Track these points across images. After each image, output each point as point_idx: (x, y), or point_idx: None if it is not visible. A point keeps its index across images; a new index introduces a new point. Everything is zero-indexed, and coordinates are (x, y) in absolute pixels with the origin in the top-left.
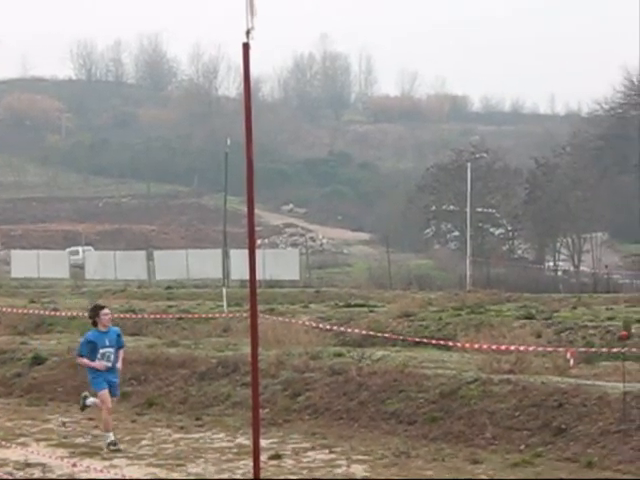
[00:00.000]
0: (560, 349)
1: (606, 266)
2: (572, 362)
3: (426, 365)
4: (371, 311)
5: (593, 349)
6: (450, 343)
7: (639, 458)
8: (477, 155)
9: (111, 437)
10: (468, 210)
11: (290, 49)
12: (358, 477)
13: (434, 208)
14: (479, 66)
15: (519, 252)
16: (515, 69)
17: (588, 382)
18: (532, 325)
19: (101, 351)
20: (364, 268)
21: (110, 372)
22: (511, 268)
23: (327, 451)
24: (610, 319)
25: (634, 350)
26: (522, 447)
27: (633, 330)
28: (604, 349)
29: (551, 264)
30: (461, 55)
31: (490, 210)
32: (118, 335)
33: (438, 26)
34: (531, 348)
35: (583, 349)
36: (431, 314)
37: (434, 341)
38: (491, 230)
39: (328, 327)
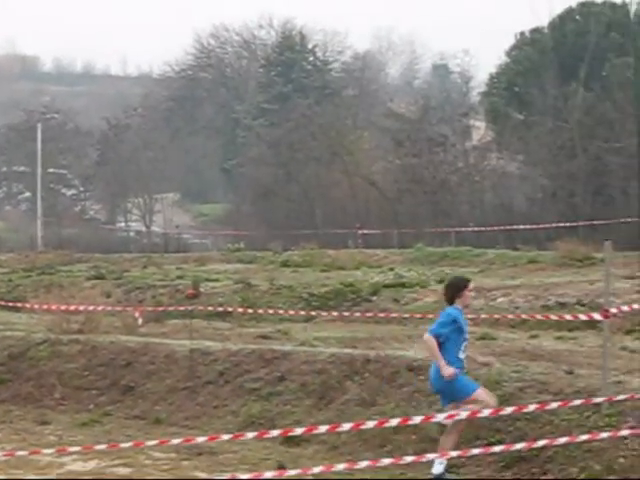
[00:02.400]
0: (129, 308)
1: (177, 226)
2: (141, 321)
3: None
4: None
5: (162, 308)
6: (19, 304)
7: (205, 413)
8: (48, 116)
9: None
10: (39, 171)
11: None
12: None
13: (4, 169)
14: (51, 26)
15: (91, 213)
16: (86, 30)
17: (156, 340)
18: (102, 285)
19: (466, 338)
20: None
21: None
22: (83, 229)
23: None
24: (180, 278)
25: (201, 308)
26: (91, 406)
27: (201, 289)
28: (172, 307)
29: (123, 224)
30: (31, 14)
31: (62, 171)
32: None
33: None
34: (100, 308)
35: (152, 308)
36: (1, 276)
37: (3, 302)
38: (63, 191)
39: None
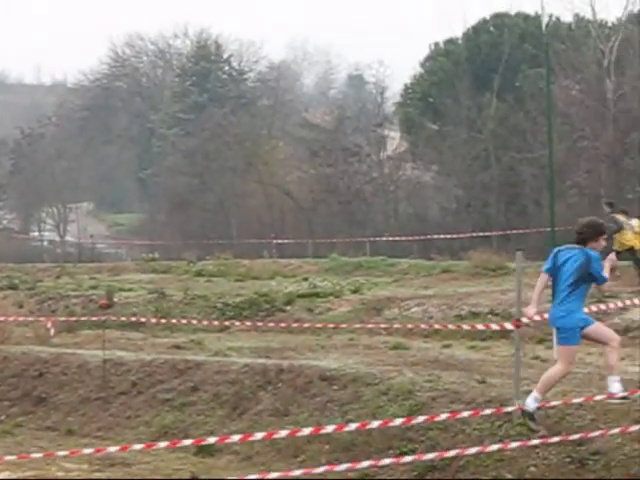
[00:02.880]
0: (42, 318)
1: (91, 236)
2: (53, 331)
3: None
4: None
5: (74, 318)
6: None
7: (118, 424)
8: None
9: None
10: None
11: None
12: None
13: None
14: None
15: (4, 222)
16: (0, 38)
17: (69, 351)
18: (15, 295)
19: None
20: None
21: None
22: None
23: None
24: (93, 288)
25: (114, 318)
26: (3, 417)
27: (115, 299)
28: (85, 318)
29: (37, 234)
30: None
31: None
32: None
33: None
34: (12, 318)
35: (64, 318)
36: None
37: None
38: None
39: None
